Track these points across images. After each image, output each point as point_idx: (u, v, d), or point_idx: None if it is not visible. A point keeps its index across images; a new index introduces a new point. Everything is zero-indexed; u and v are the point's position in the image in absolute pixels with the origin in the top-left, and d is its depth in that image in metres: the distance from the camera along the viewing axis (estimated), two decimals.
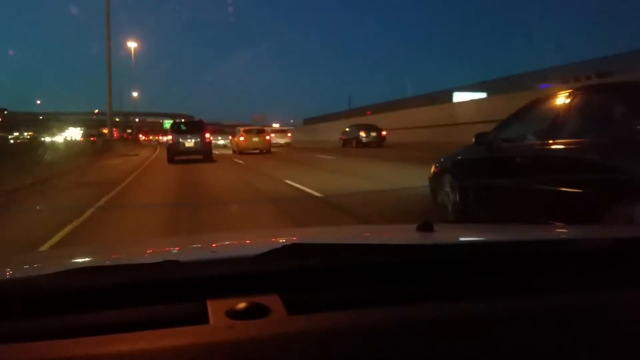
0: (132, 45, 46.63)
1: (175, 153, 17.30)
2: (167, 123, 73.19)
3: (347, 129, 28.35)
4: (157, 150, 28.45)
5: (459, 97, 36.90)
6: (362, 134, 25.71)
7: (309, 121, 74.89)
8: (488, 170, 4.42)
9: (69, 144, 24.63)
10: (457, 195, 4.66)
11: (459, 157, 4.99)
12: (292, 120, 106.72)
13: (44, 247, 4.11)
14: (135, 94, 76.90)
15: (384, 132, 25.99)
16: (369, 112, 49.77)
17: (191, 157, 17.30)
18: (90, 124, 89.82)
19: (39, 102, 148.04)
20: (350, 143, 26.49)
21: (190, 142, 17.46)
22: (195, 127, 18.51)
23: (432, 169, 5.28)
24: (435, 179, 5.16)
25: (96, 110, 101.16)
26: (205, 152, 17.54)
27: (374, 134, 25.66)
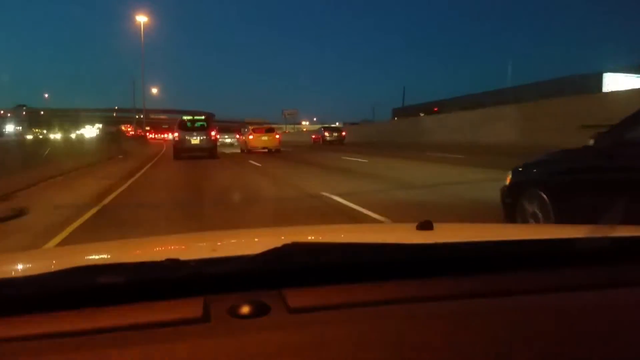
0: (141, 19, 38.28)
1: (181, 150, 17.82)
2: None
3: (322, 129, 37.29)
4: (148, 165, 15.11)
5: (612, 82, 25.83)
6: (327, 134, 34.85)
7: (401, 111, 58.46)
8: (612, 187, 3.11)
9: None
10: (553, 218, 3.39)
11: (557, 166, 3.75)
12: (315, 119, 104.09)
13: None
14: (154, 90, 71.66)
15: (343, 133, 35.31)
16: (436, 109, 41.86)
17: (197, 154, 17.83)
18: (111, 121, 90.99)
19: (46, 95, 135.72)
20: (318, 141, 35.51)
21: (196, 140, 18.16)
22: (201, 124, 19.20)
23: (508, 178, 4.04)
24: (513, 193, 3.92)
25: (116, 107, 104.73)
26: (210, 149, 18.29)
27: (335, 134, 35.01)
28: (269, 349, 0.67)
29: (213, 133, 18.91)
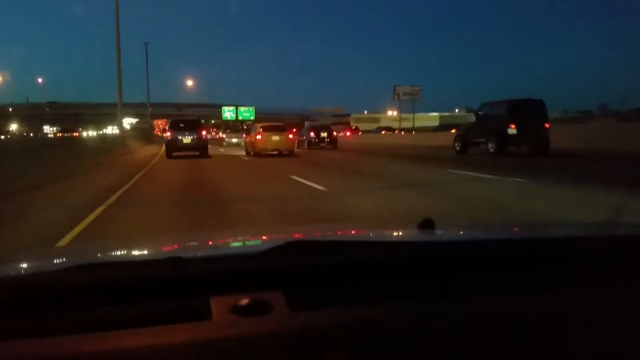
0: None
1: (173, 149, 18.93)
2: (226, 112, 65.41)
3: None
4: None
5: None
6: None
7: None
8: None
9: None
10: None
11: None
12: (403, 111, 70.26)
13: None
14: (190, 83, 66.43)
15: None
16: None
17: (189, 152, 18.80)
18: (145, 116, 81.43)
19: (40, 80, 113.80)
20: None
21: (187, 139, 19.06)
22: (192, 124, 20.04)
23: None
24: None
25: (150, 102, 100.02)
26: (201, 148, 19.29)
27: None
28: (271, 347, 0.68)
29: (204, 133, 20.38)
